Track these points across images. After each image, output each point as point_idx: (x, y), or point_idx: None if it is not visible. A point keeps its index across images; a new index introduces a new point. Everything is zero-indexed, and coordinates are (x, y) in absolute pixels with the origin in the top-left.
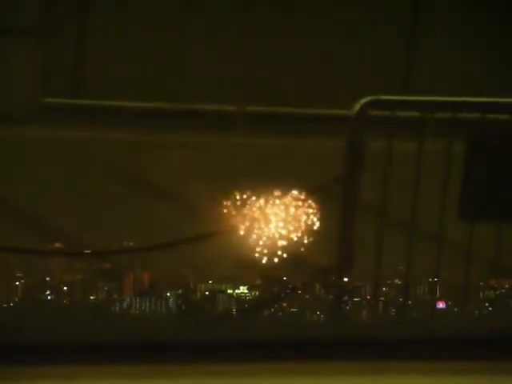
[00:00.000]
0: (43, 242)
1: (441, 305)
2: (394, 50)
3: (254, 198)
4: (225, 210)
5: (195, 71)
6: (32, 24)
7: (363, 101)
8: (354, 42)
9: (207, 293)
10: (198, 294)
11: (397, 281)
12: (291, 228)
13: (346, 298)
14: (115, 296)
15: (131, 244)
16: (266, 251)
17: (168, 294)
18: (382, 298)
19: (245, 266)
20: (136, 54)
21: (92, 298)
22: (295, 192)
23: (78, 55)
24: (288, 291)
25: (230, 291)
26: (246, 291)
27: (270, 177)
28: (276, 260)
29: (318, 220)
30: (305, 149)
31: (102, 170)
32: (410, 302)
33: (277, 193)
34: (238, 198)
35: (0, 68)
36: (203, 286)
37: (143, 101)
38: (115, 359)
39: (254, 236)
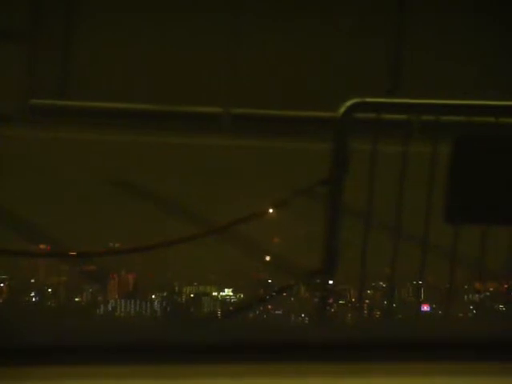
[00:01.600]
0: (28, 244)
1: (425, 308)
2: (382, 53)
3: (239, 199)
4: (210, 212)
5: (182, 73)
6: (19, 25)
7: (349, 103)
8: (342, 44)
9: (192, 295)
10: (183, 297)
11: (382, 283)
12: (277, 230)
13: (331, 300)
14: (100, 298)
15: (116, 245)
16: (251, 253)
17: (153, 297)
18: (367, 301)
19: (230, 269)
20: (123, 55)
21: (77, 299)
22: (281, 194)
23: (65, 56)
24: (273, 293)
25: (214, 294)
26: (231, 294)
27: (256, 178)
28: (261, 262)
29: (303, 222)
30: (291, 150)
31: (87, 172)
32: (394, 305)
33: (263, 194)
34: (224, 199)
35: None
36: (188, 288)
37: (130, 102)
38: (99, 361)
39: (240, 238)
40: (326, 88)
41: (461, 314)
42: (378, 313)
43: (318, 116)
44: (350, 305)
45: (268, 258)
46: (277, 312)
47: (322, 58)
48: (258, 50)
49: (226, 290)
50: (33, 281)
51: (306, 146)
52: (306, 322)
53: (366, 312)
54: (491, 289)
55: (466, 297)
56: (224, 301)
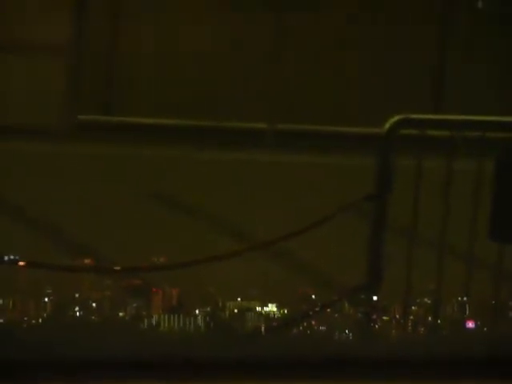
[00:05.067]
0: (71, 258)
1: (470, 324)
2: (426, 70)
3: (282, 215)
4: (254, 227)
5: (226, 88)
6: (66, 40)
7: (394, 119)
8: (386, 60)
9: (236, 310)
10: (227, 312)
11: (426, 300)
12: (320, 245)
13: (375, 316)
14: (144, 313)
15: (160, 260)
16: (295, 269)
17: (196, 312)
18: (412, 317)
19: (274, 284)
20: (168, 70)
21: (121, 314)
22: (326, 209)
23: (110, 71)
24: (317, 309)
25: (258, 309)
26: (275, 309)
27: (299, 194)
28: (305, 277)
29: (348, 237)
30: (335, 166)
31: (132, 187)
32: (439, 321)
33: (306, 210)
34: (267, 214)
35: (33, 84)
36: (232, 303)
37: (175, 118)
38: (143, 376)
39: (283, 253)
40: (372, 104)
41: (506, 331)
42: (423, 329)
43: (363, 132)
44: (394, 321)
45: (312, 273)
46: (321, 328)
47: (367, 75)
48: (302, 66)
49: (270, 305)
50: (77, 295)
51: (351, 162)
52: (350, 337)
53: (410, 328)
54: None
55: (511, 313)
56: (268, 316)
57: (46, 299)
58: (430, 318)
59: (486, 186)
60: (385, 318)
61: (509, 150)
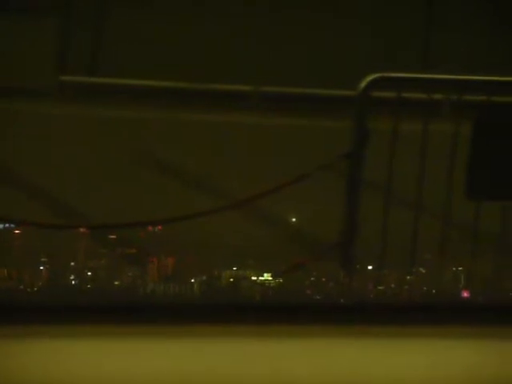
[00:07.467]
0: (57, 219)
1: (465, 294)
2: (412, 32)
3: (265, 174)
4: (238, 189)
5: (211, 50)
6: (51, 0)
7: (369, 78)
8: (371, 23)
9: (231, 279)
10: (223, 281)
11: (421, 269)
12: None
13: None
14: (139, 281)
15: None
16: (272, 226)
17: (192, 280)
18: (406, 287)
19: (250, 238)
20: (154, 32)
21: (116, 283)
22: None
23: (96, 32)
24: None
25: (253, 278)
26: (270, 278)
27: (282, 156)
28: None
29: (324, 195)
30: (317, 128)
31: (117, 149)
32: (434, 291)
33: (287, 169)
34: (253, 177)
35: (17, 44)
36: (227, 272)
37: (160, 79)
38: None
39: (259, 211)
40: (357, 66)
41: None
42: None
43: (344, 94)
44: (388, 290)
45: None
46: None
47: (352, 37)
48: (287, 29)
49: (265, 274)
50: (72, 264)
51: (334, 124)
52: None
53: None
54: None
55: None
56: (263, 285)
57: (41, 268)
58: (424, 288)
59: (463, 147)
60: (379, 287)
61: (486, 109)
